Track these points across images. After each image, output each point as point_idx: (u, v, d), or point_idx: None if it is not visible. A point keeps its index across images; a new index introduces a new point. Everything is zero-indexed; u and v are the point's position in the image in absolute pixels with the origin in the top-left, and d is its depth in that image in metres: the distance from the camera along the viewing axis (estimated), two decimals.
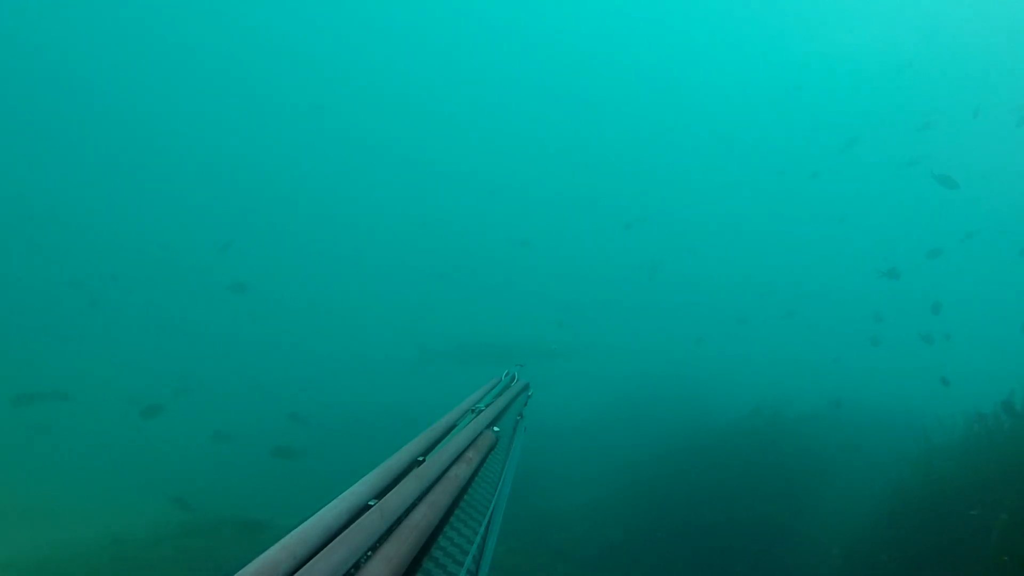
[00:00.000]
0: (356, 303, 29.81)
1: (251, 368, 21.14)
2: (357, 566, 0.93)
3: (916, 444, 8.15)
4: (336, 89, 41.05)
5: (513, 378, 2.31)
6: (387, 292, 31.10)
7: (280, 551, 0.90)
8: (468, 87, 43.13)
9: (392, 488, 1.13)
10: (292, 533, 0.94)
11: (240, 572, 0.83)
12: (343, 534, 0.96)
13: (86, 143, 33.88)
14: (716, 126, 41.18)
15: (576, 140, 41.03)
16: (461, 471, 1.28)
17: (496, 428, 1.67)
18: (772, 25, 40.14)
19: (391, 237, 35.43)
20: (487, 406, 1.79)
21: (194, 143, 36.35)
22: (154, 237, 29.93)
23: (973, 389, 7.63)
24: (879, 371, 17.55)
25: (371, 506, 1.06)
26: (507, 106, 43.34)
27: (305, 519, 0.99)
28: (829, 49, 39.11)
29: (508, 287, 31.33)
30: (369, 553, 0.98)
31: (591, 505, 10.04)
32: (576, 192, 38.89)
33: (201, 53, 36.54)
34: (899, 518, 7.02)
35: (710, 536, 8.48)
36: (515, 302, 29.54)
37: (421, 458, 1.29)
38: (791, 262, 32.69)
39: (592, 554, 8.77)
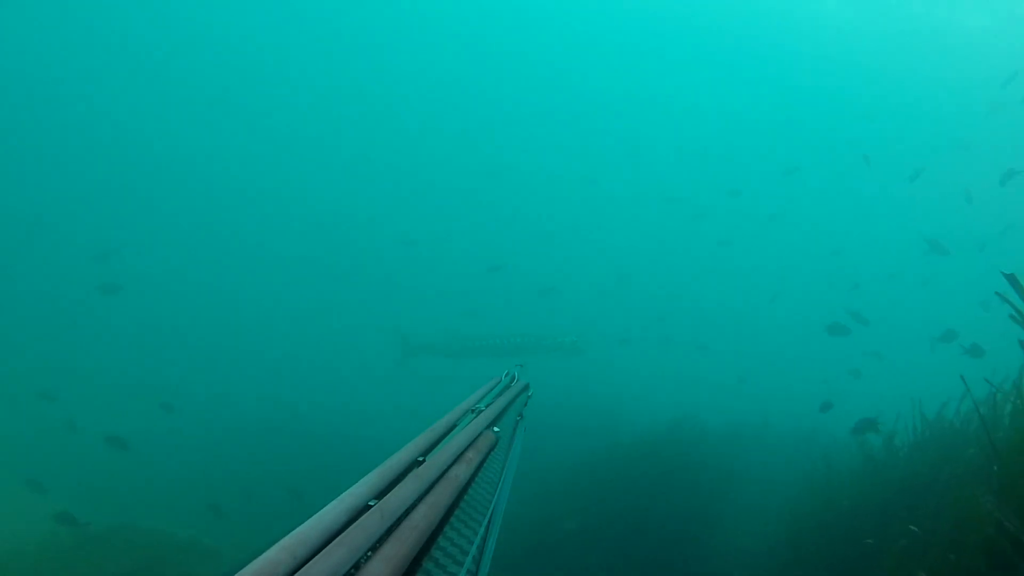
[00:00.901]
0: (240, 297, 28.43)
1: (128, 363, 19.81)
2: (357, 566, 0.93)
3: (815, 466, 8.62)
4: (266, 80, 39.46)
5: (513, 378, 2.34)
6: (282, 289, 29.87)
7: (280, 551, 0.89)
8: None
9: (392, 488, 1.13)
10: (292, 533, 0.93)
11: (240, 572, 0.81)
12: (343, 534, 0.96)
13: None
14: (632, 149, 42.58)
15: (477, 156, 40.84)
16: (461, 471, 1.29)
17: (496, 428, 1.69)
18: (676, 64, 42.22)
19: (297, 235, 33.96)
20: (487, 406, 1.81)
21: (84, 122, 33.68)
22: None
23: (872, 411, 8.14)
24: (781, 392, 18.47)
25: (371, 506, 1.06)
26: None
27: (305, 519, 0.97)
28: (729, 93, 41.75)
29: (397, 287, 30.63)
30: (369, 553, 0.97)
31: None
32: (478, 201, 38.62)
33: (96, 28, 33.81)
34: (797, 542, 7.36)
35: (615, 550, 8.66)
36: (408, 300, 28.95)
37: (421, 458, 1.29)
38: (686, 282, 33.68)
39: (501, 559, 8.69)
